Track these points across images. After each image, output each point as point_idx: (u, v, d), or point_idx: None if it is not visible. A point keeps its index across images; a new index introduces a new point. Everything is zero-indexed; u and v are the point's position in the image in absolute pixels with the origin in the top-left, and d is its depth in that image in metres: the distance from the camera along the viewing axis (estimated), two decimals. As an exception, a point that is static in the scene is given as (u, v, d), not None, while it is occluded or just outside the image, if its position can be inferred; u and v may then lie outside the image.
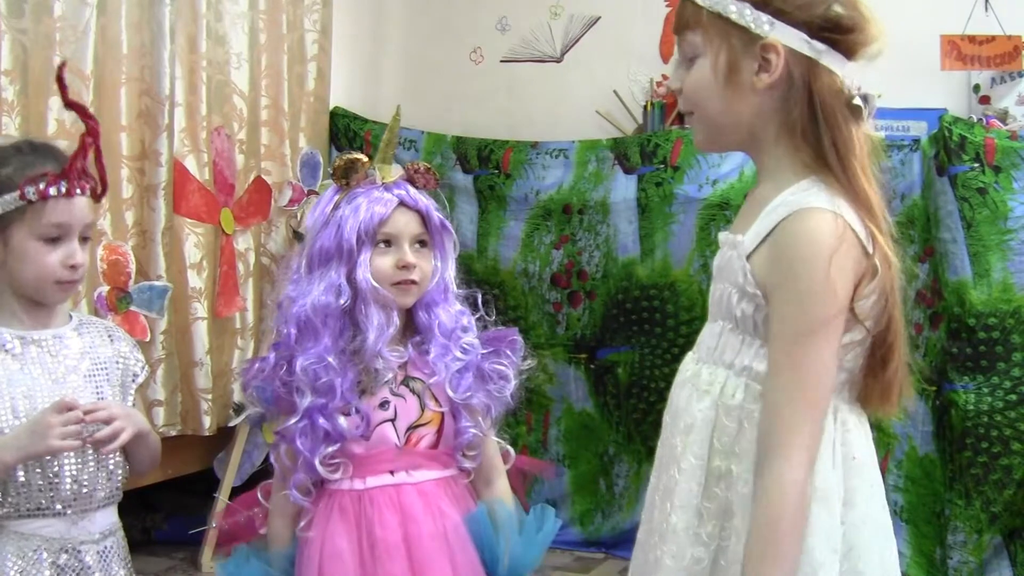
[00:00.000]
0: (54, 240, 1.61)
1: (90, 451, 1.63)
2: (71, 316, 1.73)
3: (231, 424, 3.37)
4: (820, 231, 1.19)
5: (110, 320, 1.91)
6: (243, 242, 3.46)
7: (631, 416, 3.58)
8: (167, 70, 3.06)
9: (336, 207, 1.70)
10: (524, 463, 1.91)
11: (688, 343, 3.98)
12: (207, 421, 3.24)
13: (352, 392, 1.64)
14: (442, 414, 1.69)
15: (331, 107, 3.95)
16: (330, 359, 1.62)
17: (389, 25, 4.30)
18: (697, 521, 1.25)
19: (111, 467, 1.68)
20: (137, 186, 3.05)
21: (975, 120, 3.20)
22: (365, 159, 1.72)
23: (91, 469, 1.65)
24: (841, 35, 1.23)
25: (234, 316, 3.41)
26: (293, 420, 1.62)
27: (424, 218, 1.70)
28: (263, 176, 3.56)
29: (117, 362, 1.74)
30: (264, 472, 3.39)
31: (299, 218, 3.60)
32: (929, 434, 3.11)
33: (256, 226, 3.53)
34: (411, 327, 1.73)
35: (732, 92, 1.24)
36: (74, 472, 1.63)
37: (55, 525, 1.61)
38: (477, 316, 1.75)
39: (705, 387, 1.28)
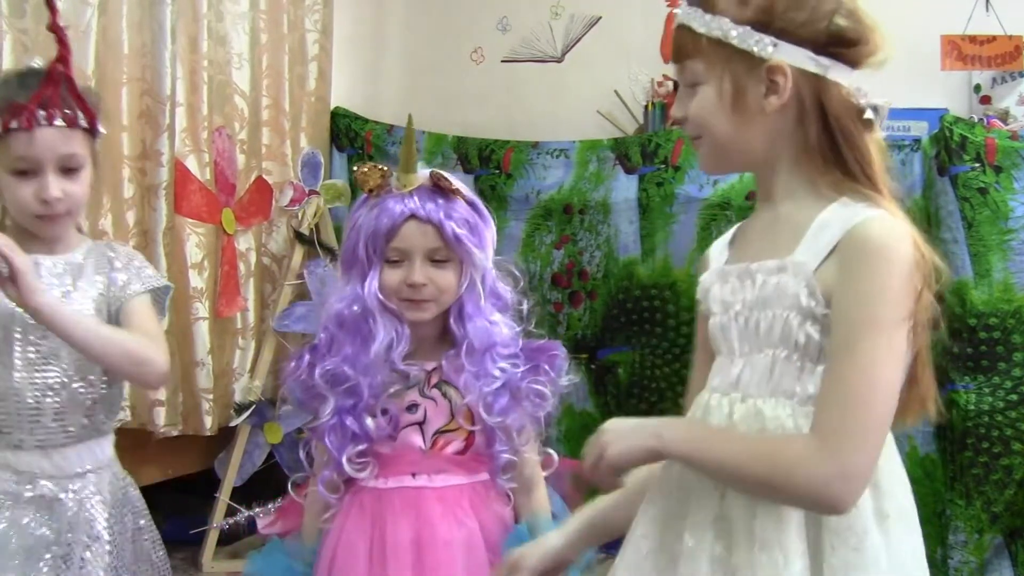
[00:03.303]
0: (24, 173, 1.60)
1: (54, 380, 1.62)
2: (83, 245, 1.72)
3: (232, 424, 3.37)
4: (900, 237, 1.15)
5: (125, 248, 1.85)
6: (244, 242, 3.46)
7: (632, 416, 3.57)
8: (168, 70, 3.06)
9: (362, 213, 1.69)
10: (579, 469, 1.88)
11: (689, 343, 3.94)
12: (208, 421, 3.24)
13: (381, 393, 1.64)
14: (473, 431, 1.68)
15: (332, 107, 3.95)
16: (355, 363, 1.62)
17: (390, 25, 4.30)
18: None
19: (85, 400, 1.66)
20: (138, 186, 3.05)
21: (976, 120, 3.20)
22: (377, 168, 1.68)
23: (61, 399, 1.63)
24: (846, 48, 1.21)
25: (235, 316, 3.41)
26: (324, 419, 1.64)
27: (441, 230, 1.64)
28: (264, 176, 3.56)
29: (106, 296, 1.71)
30: (264, 472, 3.41)
31: (300, 218, 3.60)
32: (930, 434, 3.11)
33: (257, 226, 3.53)
34: (448, 335, 1.70)
35: (741, 117, 1.22)
36: (41, 401, 1.62)
37: (26, 458, 1.61)
38: (521, 329, 1.71)
39: (772, 424, 1.17)
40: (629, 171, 3.62)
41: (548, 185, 3.73)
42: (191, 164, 3.21)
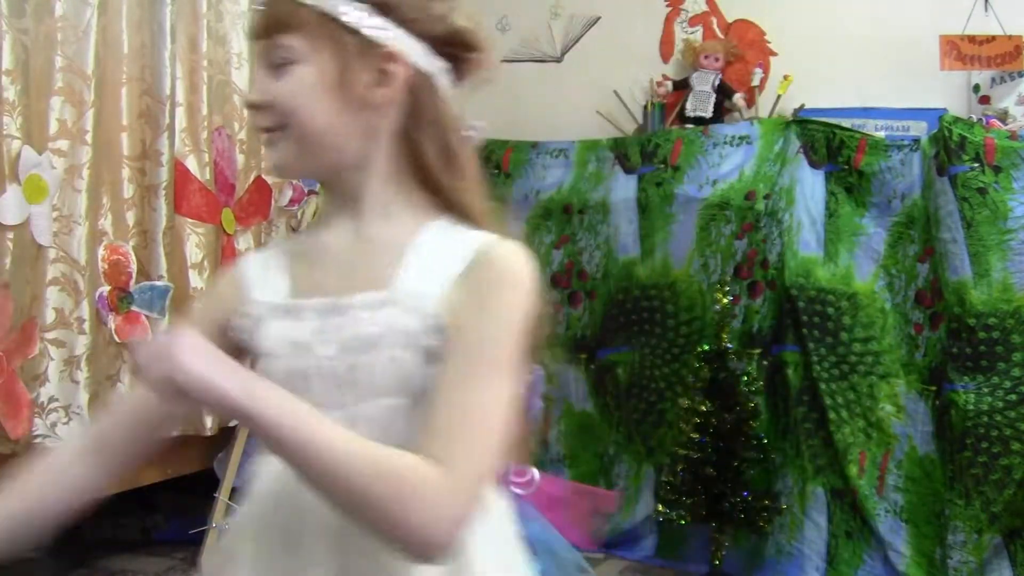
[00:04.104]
0: None
1: None
2: None
3: (232, 424, 3.37)
4: (527, 264, 1.05)
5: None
6: (244, 242, 3.46)
7: (631, 416, 3.59)
8: (168, 70, 3.07)
9: None
10: (585, 495, 1.76)
11: (688, 343, 3.94)
12: (208, 421, 3.24)
13: None
14: None
15: (331, 107, 3.95)
16: None
17: (389, 25, 4.30)
18: None
19: None
20: (138, 186, 3.05)
21: (975, 120, 3.21)
22: None
23: None
24: (463, 52, 1.12)
25: (235, 316, 3.41)
26: None
27: None
28: (264, 176, 3.56)
29: None
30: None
31: (299, 218, 3.60)
32: (929, 434, 3.11)
33: (257, 226, 3.53)
34: None
35: (341, 106, 1.06)
36: None
37: None
38: None
39: None
40: (628, 171, 3.63)
41: (547, 185, 3.73)
42: (191, 164, 3.21)
